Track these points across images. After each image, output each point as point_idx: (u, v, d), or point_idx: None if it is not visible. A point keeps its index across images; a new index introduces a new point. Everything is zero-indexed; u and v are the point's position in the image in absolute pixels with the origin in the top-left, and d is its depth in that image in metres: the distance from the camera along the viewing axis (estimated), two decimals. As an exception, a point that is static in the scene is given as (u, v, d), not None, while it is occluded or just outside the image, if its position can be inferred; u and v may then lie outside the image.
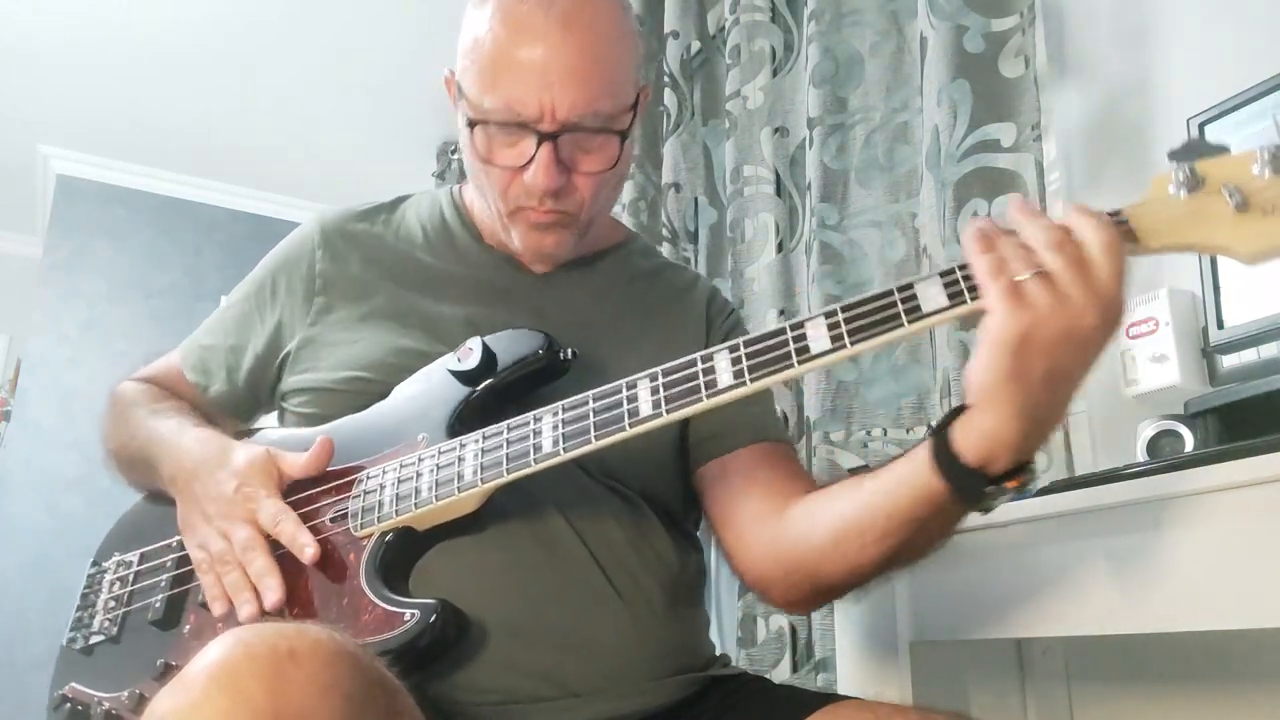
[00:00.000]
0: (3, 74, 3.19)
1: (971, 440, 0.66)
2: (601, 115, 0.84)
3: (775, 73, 1.79)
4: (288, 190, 3.87)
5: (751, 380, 0.71)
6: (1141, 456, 0.99)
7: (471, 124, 0.86)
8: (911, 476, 0.70)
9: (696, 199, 1.93)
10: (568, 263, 0.97)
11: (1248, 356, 0.97)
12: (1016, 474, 0.66)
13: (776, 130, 1.74)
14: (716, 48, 2.03)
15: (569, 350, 0.83)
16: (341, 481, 0.83)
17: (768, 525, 0.84)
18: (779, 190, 1.72)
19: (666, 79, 2.02)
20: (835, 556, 0.77)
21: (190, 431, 0.91)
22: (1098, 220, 0.62)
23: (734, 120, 1.79)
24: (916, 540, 0.73)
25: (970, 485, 0.66)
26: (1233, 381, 0.97)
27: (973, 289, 0.66)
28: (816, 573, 0.80)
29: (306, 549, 0.78)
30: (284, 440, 0.91)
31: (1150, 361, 1.08)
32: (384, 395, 0.88)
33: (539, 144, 0.83)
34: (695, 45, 2.02)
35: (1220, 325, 0.98)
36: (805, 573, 0.81)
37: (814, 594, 0.83)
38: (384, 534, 0.79)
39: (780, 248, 1.68)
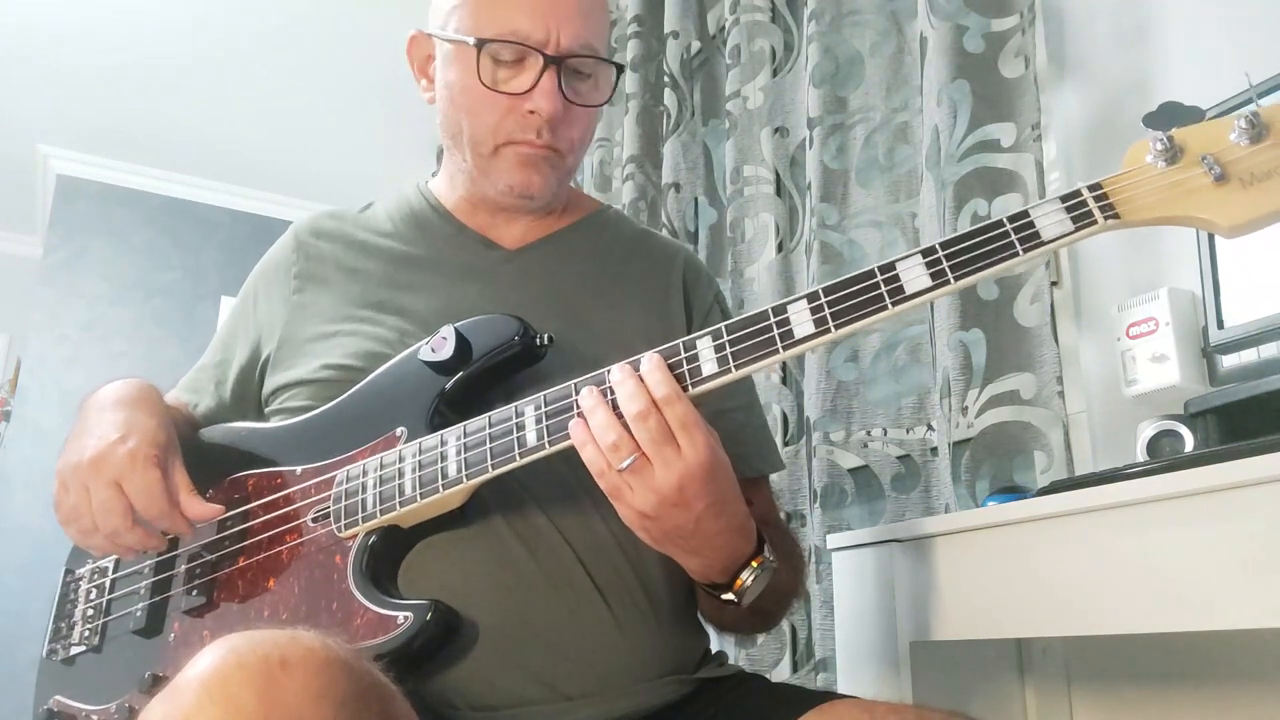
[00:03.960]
0: (3, 74, 3.19)
1: (688, 571, 0.79)
2: (597, 51, 0.91)
3: (775, 73, 1.79)
4: (288, 190, 3.88)
5: (736, 367, 0.70)
6: (1141, 456, 0.98)
7: (480, 44, 0.88)
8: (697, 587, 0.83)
9: (696, 199, 1.93)
10: (540, 237, 0.97)
11: (1248, 356, 0.97)
12: (740, 573, 0.78)
13: (776, 130, 1.75)
14: (716, 48, 2.03)
15: (545, 335, 0.82)
16: (321, 479, 0.82)
17: None
18: (779, 190, 1.73)
19: (666, 79, 2.02)
20: (718, 622, 0.93)
21: (122, 381, 0.92)
22: (661, 376, 0.70)
23: (734, 120, 1.79)
24: (744, 613, 0.83)
25: (714, 593, 0.80)
26: (1233, 381, 0.97)
27: (956, 269, 0.67)
28: (716, 626, 0.94)
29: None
30: (228, 434, 0.92)
31: (1150, 361, 1.08)
32: None
33: (544, 68, 0.87)
34: (695, 45, 2.03)
35: (1220, 325, 0.98)
36: (711, 623, 0.93)
37: (727, 634, 1.03)
38: (369, 534, 0.78)
39: (780, 248, 1.68)
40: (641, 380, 0.70)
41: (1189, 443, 0.95)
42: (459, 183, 0.98)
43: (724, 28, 1.88)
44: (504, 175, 0.91)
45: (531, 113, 0.88)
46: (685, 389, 0.71)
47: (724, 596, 0.78)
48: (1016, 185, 1.26)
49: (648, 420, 0.69)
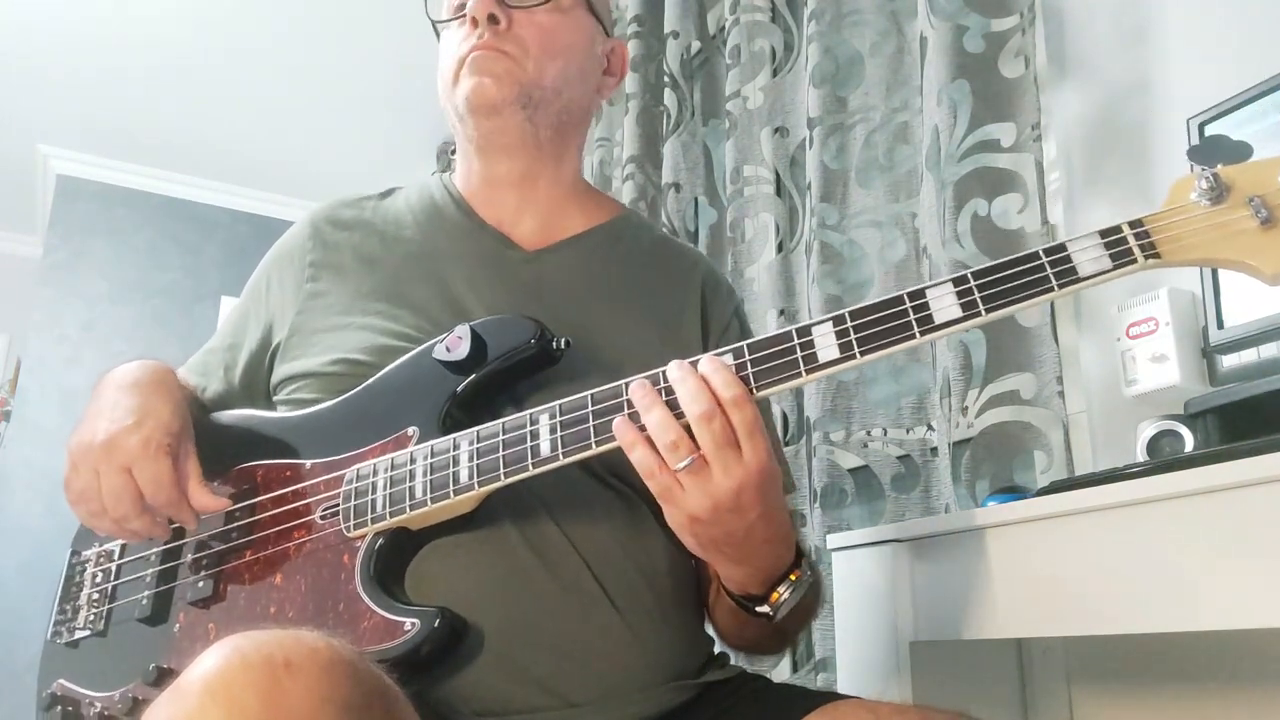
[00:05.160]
0: (3, 74, 3.19)
1: (725, 582, 0.79)
2: None
3: (775, 73, 1.79)
4: (288, 190, 3.88)
5: (757, 389, 0.70)
6: (1141, 456, 0.98)
7: None
8: (728, 600, 0.82)
9: (696, 199, 1.93)
10: (559, 239, 0.97)
11: (1248, 356, 0.97)
12: (778, 586, 0.77)
13: (776, 130, 1.75)
14: (716, 48, 2.03)
15: (562, 340, 0.81)
16: (330, 476, 0.82)
17: (711, 590, 0.90)
18: (779, 190, 1.73)
19: (666, 79, 2.02)
20: (731, 639, 0.91)
21: (139, 362, 0.93)
22: (729, 376, 0.68)
23: (734, 120, 1.79)
24: (767, 631, 0.83)
25: (749, 606, 0.79)
26: (1233, 381, 0.97)
27: (987, 300, 0.66)
28: (731, 644, 0.93)
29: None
30: (238, 421, 0.91)
31: (1150, 361, 1.08)
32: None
33: None
34: (695, 45, 2.03)
35: (1220, 325, 0.98)
36: (725, 641, 0.93)
37: (741, 653, 0.97)
38: (377, 535, 0.77)
39: (780, 248, 1.68)
40: (704, 380, 0.69)
41: (1189, 443, 0.95)
42: (470, 161, 0.99)
43: (724, 28, 1.88)
44: (463, 91, 0.92)
45: (473, 23, 0.91)
46: None
47: (759, 609, 0.77)
48: (1016, 185, 1.26)
49: (712, 422, 0.67)
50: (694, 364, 0.70)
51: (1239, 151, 0.65)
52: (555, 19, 0.94)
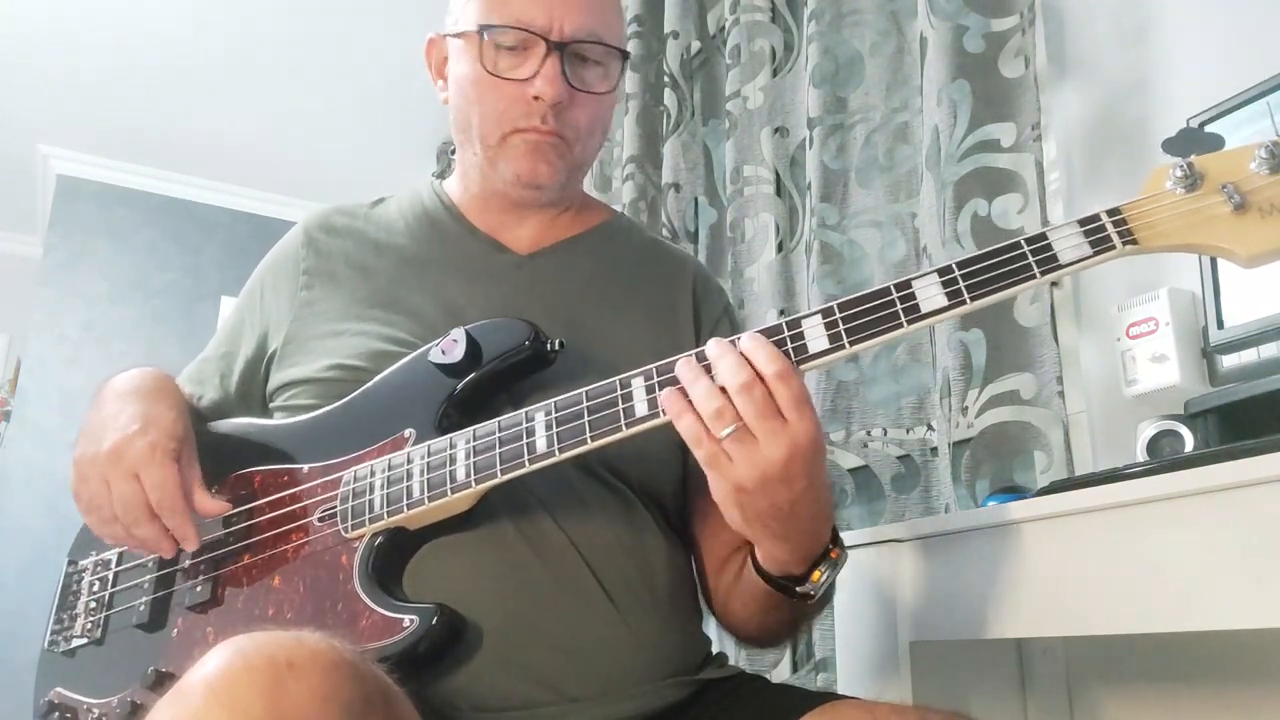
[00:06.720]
0: (3, 74, 3.19)
1: (764, 561, 0.78)
2: (603, 39, 0.91)
3: (775, 73, 1.79)
4: (288, 190, 3.87)
5: None
6: (1141, 456, 0.98)
7: (482, 30, 0.89)
8: (757, 583, 0.80)
9: (696, 199, 1.93)
10: (552, 243, 0.97)
11: (1248, 356, 0.97)
12: (818, 565, 0.76)
13: (776, 130, 1.75)
14: (716, 48, 2.03)
15: (556, 341, 0.82)
16: (328, 479, 0.82)
17: (722, 578, 0.90)
18: (779, 190, 1.73)
19: (666, 79, 2.02)
20: (749, 627, 0.89)
21: (139, 369, 0.93)
22: (772, 351, 0.68)
23: (734, 120, 1.79)
24: (790, 615, 0.83)
25: (786, 586, 0.77)
26: (1233, 381, 0.97)
27: (972, 289, 0.67)
28: (744, 633, 0.91)
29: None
30: (235, 429, 0.91)
31: (1150, 361, 1.08)
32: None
33: (547, 54, 0.88)
34: (695, 45, 2.02)
35: (1220, 325, 0.98)
36: (736, 630, 0.92)
37: (750, 643, 0.95)
38: (375, 535, 0.78)
39: (780, 248, 1.68)
40: (744, 355, 0.69)
41: (1189, 443, 0.95)
42: (471, 179, 0.98)
43: (724, 28, 1.88)
44: (512, 164, 0.91)
45: (536, 99, 0.88)
46: None
47: (799, 589, 0.77)
48: (1016, 185, 1.26)
49: (752, 392, 0.67)
50: (734, 342, 0.70)
51: (1212, 142, 0.66)
52: (605, 97, 0.94)
